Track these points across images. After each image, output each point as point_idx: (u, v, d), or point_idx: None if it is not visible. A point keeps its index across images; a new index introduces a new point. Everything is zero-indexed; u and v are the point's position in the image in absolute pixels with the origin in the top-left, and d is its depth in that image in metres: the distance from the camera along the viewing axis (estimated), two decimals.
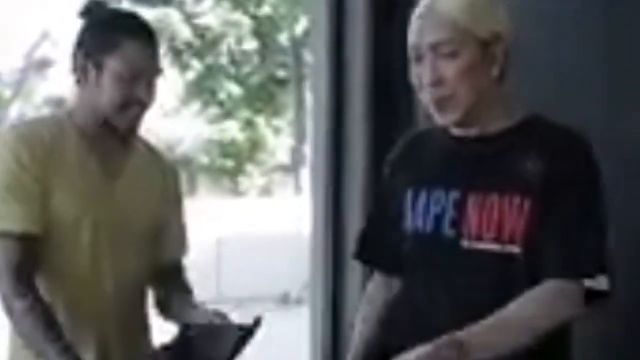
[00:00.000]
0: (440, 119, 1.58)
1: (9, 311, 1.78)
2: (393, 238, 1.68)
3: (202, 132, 17.95)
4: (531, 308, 1.47)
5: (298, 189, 17.55)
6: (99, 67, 1.78)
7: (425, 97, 1.58)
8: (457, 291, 1.55)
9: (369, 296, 1.83)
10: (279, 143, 18.95)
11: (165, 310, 1.97)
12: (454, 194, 1.57)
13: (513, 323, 1.46)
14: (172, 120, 18.45)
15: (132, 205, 1.87)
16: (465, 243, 1.54)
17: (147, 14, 16.98)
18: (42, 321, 1.75)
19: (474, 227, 1.54)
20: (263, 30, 17.90)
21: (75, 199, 1.81)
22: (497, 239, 1.51)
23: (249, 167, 18.56)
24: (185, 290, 1.99)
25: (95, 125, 1.82)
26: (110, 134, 1.84)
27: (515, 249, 1.50)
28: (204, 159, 17.84)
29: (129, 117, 1.81)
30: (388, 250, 1.71)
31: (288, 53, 18.09)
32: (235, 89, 17.77)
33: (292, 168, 18.36)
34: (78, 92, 1.85)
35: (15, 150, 1.77)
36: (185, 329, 1.77)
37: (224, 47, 17.90)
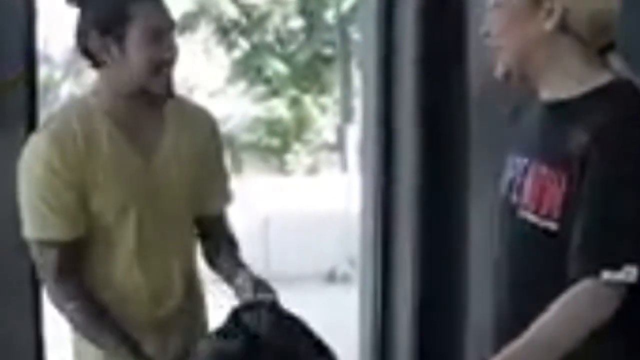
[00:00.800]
0: (496, 72, 1.60)
1: (62, 312, 1.81)
2: None
3: (249, 110, 17.99)
4: (554, 324, 1.44)
5: (344, 167, 17.51)
6: (121, 39, 1.77)
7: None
8: (513, 258, 1.58)
9: None
10: (325, 121, 18.92)
11: (213, 264, 1.99)
12: (524, 161, 1.58)
13: (539, 345, 1.45)
14: (218, 99, 18.52)
15: (172, 175, 1.87)
16: (521, 212, 1.57)
17: None
18: (95, 317, 1.79)
19: (527, 196, 1.55)
20: (309, 8, 17.82)
21: (117, 190, 1.81)
22: (536, 212, 1.52)
23: (296, 146, 18.57)
24: (231, 242, 2.00)
25: (124, 103, 1.82)
26: (138, 108, 1.83)
27: (552, 226, 1.49)
28: (251, 137, 17.89)
29: (163, 79, 1.81)
30: None
31: (334, 31, 18.00)
32: (281, 67, 17.75)
33: (338, 146, 18.32)
34: (100, 74, 1.84)
35: (46, 157, 1.76)
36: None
37: (270, 26, 17.87)
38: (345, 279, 9.79)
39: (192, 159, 1.91)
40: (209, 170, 1.96)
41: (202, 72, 17.19)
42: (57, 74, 18.16)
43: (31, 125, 2.36)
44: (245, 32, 17.99)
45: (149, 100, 1.83)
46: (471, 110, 2.91)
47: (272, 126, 18.09)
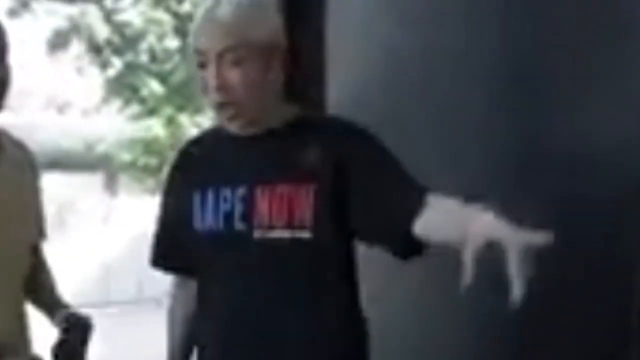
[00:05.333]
0: (229, 126, 1.69)
1: None
2: (187, 240, 1.77)
3: (124, 130, 17.71)
4: None
5: None
6: None
7: (210, 100, 1.70)
8: (253, 282, 1.65)
9: (175, 298, 1.96)
10: None
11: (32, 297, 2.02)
12: (241, 190, 1.66)
13: None
14: (93, 118, 18.16)
15: (8, 206, 1.88)
16: (257, 234, 1.65)
17: (66, 10, 16.67)
18: None
19: (265, 217, 1.63)
20: (185, 28, 17.75)
21: None
22: (288, 226, 1.62)
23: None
24: (48, 272, 2.07)
25: None
26: None
27: (305, 234, 1.60)
28: (126, 157, 17.58)
29: None
30: (185, 254, 1.81)
31: None
32: (156, 87, 17.58)
33: None
34: None
35: None
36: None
37: (144, 45, 17.68)
38: None
39: (24, 189, 1.97)
40: (35, 205, 2.02)
41: (74, 90, 16.83)
42: None
43: None
44: (118, 51, 17.73)
45: None
46: None
47: (149, 145, 17.85)
